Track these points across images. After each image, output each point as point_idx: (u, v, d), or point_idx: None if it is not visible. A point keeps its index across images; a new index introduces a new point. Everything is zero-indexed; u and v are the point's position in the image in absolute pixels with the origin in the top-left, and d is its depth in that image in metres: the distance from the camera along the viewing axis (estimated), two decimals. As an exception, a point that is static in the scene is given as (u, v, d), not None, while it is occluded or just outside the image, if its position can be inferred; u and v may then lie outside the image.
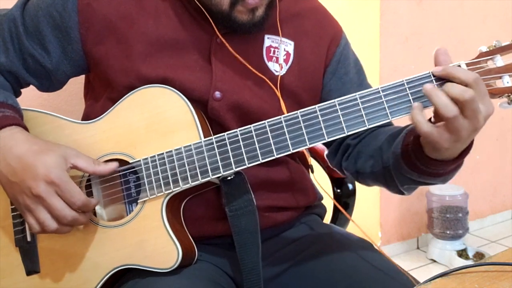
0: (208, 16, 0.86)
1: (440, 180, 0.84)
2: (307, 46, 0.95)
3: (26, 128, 0.82)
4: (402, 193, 0.92)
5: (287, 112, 0.85)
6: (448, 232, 2.35)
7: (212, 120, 0.87)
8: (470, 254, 2.34)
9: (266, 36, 0.92)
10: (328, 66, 0.97)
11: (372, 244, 0.94)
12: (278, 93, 0.89)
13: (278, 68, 0.92)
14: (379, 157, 0.90)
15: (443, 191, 2.38)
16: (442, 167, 0.80)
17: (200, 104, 0.86)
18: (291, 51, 0.94)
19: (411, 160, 0.81)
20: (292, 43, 0.94)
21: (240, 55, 0.88)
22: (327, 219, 1.12)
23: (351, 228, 1.08)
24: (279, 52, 0.93)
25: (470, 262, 1.27)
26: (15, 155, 0.77)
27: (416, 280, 0.84)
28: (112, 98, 0.87)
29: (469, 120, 0.71)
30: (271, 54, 0.92)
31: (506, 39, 0.77)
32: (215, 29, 0.86)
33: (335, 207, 1.15)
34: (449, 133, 0.72)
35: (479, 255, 2.32)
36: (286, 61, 0.93)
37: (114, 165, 0.80)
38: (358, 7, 2.16)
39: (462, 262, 2.24)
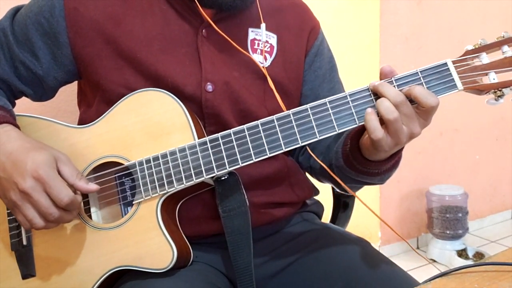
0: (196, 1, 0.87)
1: (377, 179, 0.88)
2: (289, 39, 0.98)
3: (18, 127, 0.83)
4: (344, 191, 0.95)
5: (278, 97, 0.87)
6: (448, 232, 2.35)
7: (208, 113, 0.88)
8: (470, 254, 2.34)
9: (250, 30, 0.95)
10: (306, 57, 1.00)
11: (370, 243, 0.94)
12: (269, 80, 0.90)
13: (262, 59, 0.94)
14: (327, 155, 0.95)
15: (443, 191, 2.38)
16: (377, 167, 0.85)
17: (194, 99, 0.87)
18: (275, 44, 0.96)
19: (349, 160, 0.86)
20: (275, 36, 0.97)
21: (226, 47, 0.90)
22: (326, 218, 1.12)
23: (351, 228, 1.08)
24: (263, 44, 0.95)
25: (470, 262, 1.27)
26: (6, 151, 0.77)
27: (416, 280, 0.83)
28: (106, 100, 0.88)
29: (409, 128, 0.75)
30: (256, 46, 0.94)
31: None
32: (202, 12, 0.87)
33: (335, 206, 1.15)
34: (391, 138, 0.75)
35: (479, 255, 2.32)
36: (270, 53, 0.95)
37: (94, 187, 0.80)
38: (358, 7, 2.16)
39: (462, 262, 2.23)
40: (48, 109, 1.37)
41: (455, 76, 0.76)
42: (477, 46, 0.78)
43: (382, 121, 0.75)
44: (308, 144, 0.99)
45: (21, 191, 0.74)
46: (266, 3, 0.97)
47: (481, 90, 0.76)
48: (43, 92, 0.94)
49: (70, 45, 0.88)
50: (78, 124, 0.93)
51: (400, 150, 0.83)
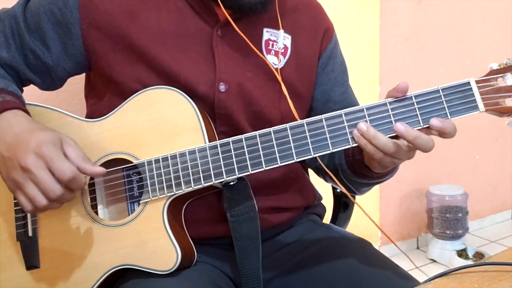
0: None
1: (388, 177, 0.91)
2: (304, 40, 0.97)
3: (27, 113, 0.83)
4: (354, 193, 0.98)
5: (290, 102, 0.86)
6: (448, 232, 2.35)
7: (220, 113, 0.88)
8: (470, 254, 2.34)
9: (264, 30, 0.93)
10: (319, 59, 0.99)
11: (371, 244, 0.94)
12: (281, 81, 0.89)
13: (276, 61, 0.93)
14: (332, 159, 0.96)
15: (443, 191, 2.38)
16: (386, 170, 0.86)
17: (207, 98, 0.87)
18: (289, 45, 0.95)
19: (356, 170, 0.88)
20: (290, 37, 0.95)
21: (240, 48, 0.89)
22: (327, 219, 1.12)
23: (351, 228, 1.08)
24: (278, 45, 0.94)
25: (470, 262, 1.27)
26: (14, 132, 0.77)
27: (416, 280, 0.84)
28: (118, 93, 0.87)
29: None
30: (270, 47, 0.93)
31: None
32: (223, 9, 0.86)
33: (335, 206, 1.15)
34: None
35: (478, 255, 2.32)
36: (284, 54, 0.94)
37: (101, 170, 0.78)
38: (358, 7, 2.16)
39: (462, 262, 2.23)
40: (49, 109, 1.36)
41: (478, 96, 0.74)
42: (502, 66, 0.75)
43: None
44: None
45: (22, 167, 0.73)
46: (282, 2, 0.96)
47: (503, 112, 0.74)
48: (51, 81, 0.94)
49: (82, 37, 0.87)
50: (86, 116, 0.93)
51: None
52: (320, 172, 1.02)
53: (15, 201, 0.85)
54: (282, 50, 0.94)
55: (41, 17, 0.88)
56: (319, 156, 0.94)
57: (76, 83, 1.03)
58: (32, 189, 0.74)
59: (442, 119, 0.74)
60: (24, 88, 0.95)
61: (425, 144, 0.73)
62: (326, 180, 1.04)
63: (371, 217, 0.83)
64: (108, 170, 0.84)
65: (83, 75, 0.98)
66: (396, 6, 2.30)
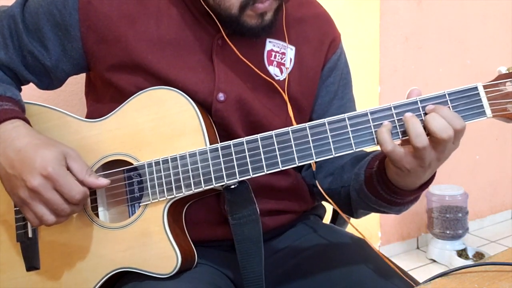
0: (214, 17, 0.85)
1: (395, 210, 0.85)
2: (308, 52, 0.95)
3: (27, 121, 0.82)
4: (352, 215, 0.93)
5: (292, 114, 0.84)
6: (448, 232, 2.35)
7: (217, 122, 0.87)
8: (470, 254, 2.34)
9: (267, 40, 0.91)
10: (322, 71, 0.97)
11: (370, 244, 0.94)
12: (285, 96, 0.88)
13: (278, 72, 0.91)
14: (339, 176, 0.92)
15: (443, 191, 2.38)
16: (401, 196, 0.81)
17: (204, 107, 0.86)
18: (292, 57, 0.93)
19: (373, 184, 0.82)
20: (294, 48, 0.93)
21: (240, 58, 0.87)
22: (327, 219, 1.12)
23: (351, 228, 1.08)
24: (280, 56, 0.92)
25: (469, 262, 1.27)
26: (15, 147, 0.76)
27: (416, 280, 0.84)
28: (117, 96, 0.87)
29: (437, 153, 0.72)
30: (272, 58, 0.91)
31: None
32: (221, 28, 0.85)
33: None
34: (413, 157, 0.72)
35: (478, 255, 2.32)
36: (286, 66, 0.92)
37: (105, 182, 0.79)
38: (358, 7, 2.16)
39: (462, 262, 2.23)
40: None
41: (485, 102, 0.72)
42: (511, 70, 0.73)
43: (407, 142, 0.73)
44: (320, 161, 0.96)
45: (30, 189, 0.74)
46: (287, 13, 0.93)
47: (510, 118, 0.72)
48: (49, 82, 0.93)
49: (82, 39, 0.86)
50: (86, 116, 0.92)
51: (428, 183, 0.80)
52: (315, 189, 0.98)
53: None
54: (285, 61, 0.92)
55: (40, 18, 0.87)
56: (321, 173, 0.92)
57: (76, 83, 1.03)
58: (40, 208, 0.75)
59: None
60: (23, 87, 0.94)
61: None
62: (322, 199, 1.01)
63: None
64: (108, 172, 0.84)
65: (84, 74, 0.97)
66: (396, 6, 2.30)
